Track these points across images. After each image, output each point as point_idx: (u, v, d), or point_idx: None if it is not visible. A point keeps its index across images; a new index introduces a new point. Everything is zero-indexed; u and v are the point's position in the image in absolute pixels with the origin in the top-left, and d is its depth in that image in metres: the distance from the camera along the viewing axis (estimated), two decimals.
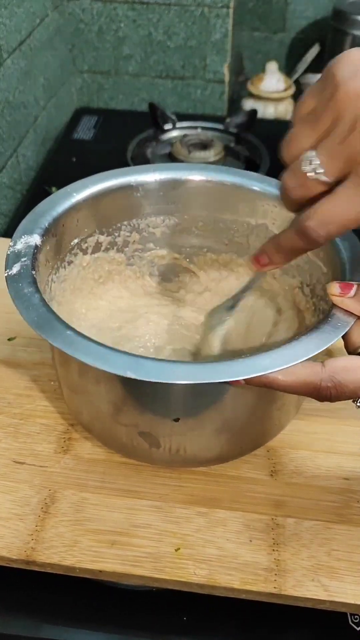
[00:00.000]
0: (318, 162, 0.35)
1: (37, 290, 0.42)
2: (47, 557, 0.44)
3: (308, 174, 0.35)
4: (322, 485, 0.49)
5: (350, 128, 0.33)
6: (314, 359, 0.38)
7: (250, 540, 0.45)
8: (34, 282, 0.43)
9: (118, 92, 1.16)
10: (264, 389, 0.39)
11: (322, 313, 0.49)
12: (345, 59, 0.34)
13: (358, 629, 0.46)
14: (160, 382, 0.37)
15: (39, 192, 0.91)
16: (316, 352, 0.38)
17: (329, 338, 0.39)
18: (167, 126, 1.03)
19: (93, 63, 1.13)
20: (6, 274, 0.43)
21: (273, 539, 0.46)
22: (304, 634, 0.47)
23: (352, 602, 0.42)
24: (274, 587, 0.43)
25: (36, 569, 0.45)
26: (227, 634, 0.46)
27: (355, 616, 0.46)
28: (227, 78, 1.11)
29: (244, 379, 0.37)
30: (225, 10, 1.04)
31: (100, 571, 0.44)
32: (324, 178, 0.35)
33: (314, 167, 0.35)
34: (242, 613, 0.46)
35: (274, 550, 0.45)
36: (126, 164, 0.95)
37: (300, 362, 0.37)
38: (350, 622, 0.46)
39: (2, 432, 0.53)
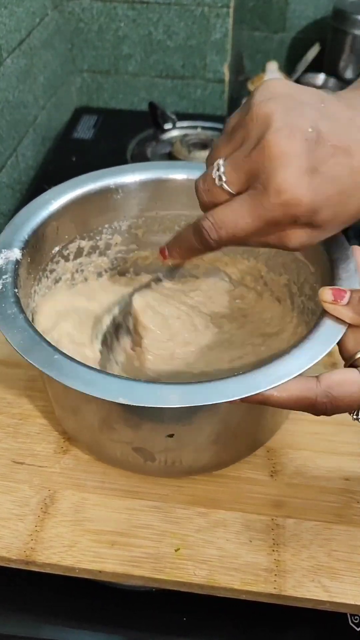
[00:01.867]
0: (224, 171, 0.37)
1: (21, 310, 0.41)
2: (46, 558, 0.44)
3: (216, 181, 0.37)
4: (322, 485, 0.49)
5: (254, 144, 0.35)
6: (308, 370, 0.38)
7: (250, 541, 0.45)
8: (18, 302, 0.42)
9: (118, 91, 1.16)
10: None
11: (311, 313, 0.49)
12: (265, 85, 0.37)
13: (358, 629, 0.46)
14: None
15: (38, 191, 0.90)
16: (309, 366, 0.38)
17: (321, 350, 0.39)
18: (167, 126, 1.03)
19: (93, 62, 1.13)
20: None
21: (273, 539, 0.46)
22: (304, 634, 0.47)
23: (352, 602, 0.42)
24: (274, 588, 0.43)
25: (36, 569, 0.45)
26: (227, 634, 0.46)
27: (356, 617, 0.46)
28: (227, 78, 1.11)
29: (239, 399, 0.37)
30: (226, 10, 1.04)
31: (100, 571, 0.44)
32: (226, 187, 0.37)
33: (220, 175, 0.37)
34: (242, 613, 0.46)
35: (274, 550, 0.45)
36: (125, 164, 0.95)
37: (294, 377, 0.37)
38: (350, 623, 0.46)
39: (1, 432, 0.52)
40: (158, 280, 0.53)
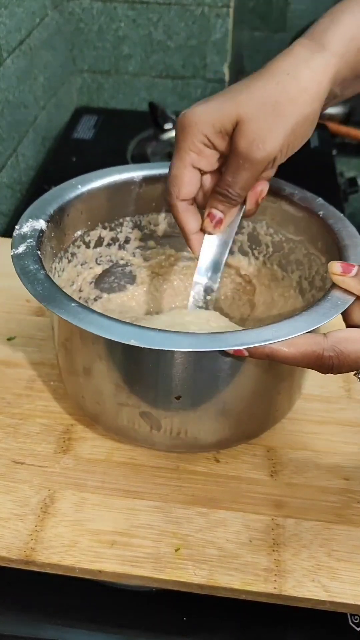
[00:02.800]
0: None
1: (42, 267, 0.43)
2: (46, 558, 0.44)
3: None
4: (322, 485, 0.49)
5: None
6: (316, 330, 0.39)
7: (250, 541, 0.45)
8: (39, 260, 0.44)
9: (118, 91, 1.16)
10: (267, 367, 0.39)
11: None
12: None
13: (358, 629, 0.46)
14: (163, 352, 0.38)
15: (38, 191, 0.91)
16: (317, 326, 0.39)
17: (329, 314, 0.40)
18: (167, 126, 1.03)
19: (93, 62, 1.13)
20: (12, 253, 0.44)
21: (273, 539, 0.46)
22: (304, 634, 0.46)
23: (352, 602, 0.42)
24: (274, 588, 0.43)
25: (36, 569, 0.45)
26: (227, 634, 0.46)
27: (355, 616, 0.46)
28: (227, 78, 1.11)
29: (247, 349, 0.38)
30: (226, 10, 1.04)
31: (100, 571, 0.44)
32: None
33: None
34: (242, 613, 0.46)
35: (274, 550, 0.45)
36: (126, 164, 0.95)
37: (302, 333, 0.38)
38: (350, 623, 0.46)
39: (1, 432, 0.52)
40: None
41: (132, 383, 0.44)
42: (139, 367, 0.43)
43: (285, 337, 0.38)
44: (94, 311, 0.40)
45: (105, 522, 0.46)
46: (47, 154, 1.04)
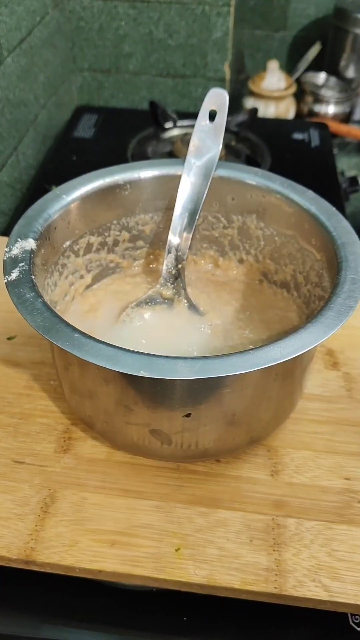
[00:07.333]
0: None
1: (39, 294, 0.42)
2: (46, 557, 0.44)
3: None
4: (323, 485, 0.49)
5: None
6: (320, 346, 0.39)
7: (251, 541, 0.45)
8: (35, 287, 0.43)
9: (118, 90, 1.16)
10: (274, 376, 0.39)
11: (319, 299, 0.49)
12: None
13: (359, 629, 0.46)
14: (173, 379, 0.37)
15: (39, 190, 0.91)
16: (325, 338, 0.39)
17: (335, 324, 0.40)
18: (168, 124, 1.03)
19: (93, 61, 1.13)
20: (6, 280, 0.43)
21: (274, 539, 0.45)
22: (304, 634, 0.46)
23: (353, 602, 0.42)
24: (275, 588, 0.43)
25: (36, 568, 0.45)
26: (227, 634, 0.46)
27: (356, 616, 0.46)
28: (227, 76, 1.11)
29: None
30: (226, 9, 1.04)
31: (100, 571, 0.44)
32: None
33: None
34: (242, 613, 0.46)
35: (274, 550, 0.45)
36: (126, 163, 0.94)
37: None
38: (351, 623, 0.46)
39: (1, 432, 0.52)
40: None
41: (140, 405, 0.43)
42: (146, 390, 0.43)
43: (294, 354, 0.38)
44: (98, 341, 0.39)
45: (105, 522, 0.46)
46: (48, 153, 1.04)
